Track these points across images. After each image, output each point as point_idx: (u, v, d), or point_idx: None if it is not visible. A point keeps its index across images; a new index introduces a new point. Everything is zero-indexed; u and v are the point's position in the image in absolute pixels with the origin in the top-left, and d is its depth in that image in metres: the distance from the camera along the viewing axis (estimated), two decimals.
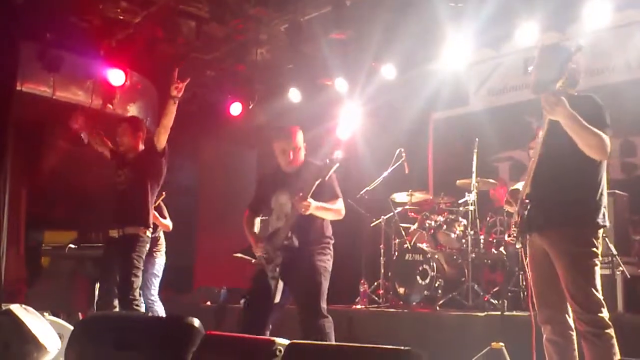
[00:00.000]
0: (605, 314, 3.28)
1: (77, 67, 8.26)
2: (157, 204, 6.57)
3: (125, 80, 8.56)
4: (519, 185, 3.63)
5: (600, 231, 3.39)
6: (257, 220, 4.46)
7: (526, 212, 3.42)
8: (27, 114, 8.20)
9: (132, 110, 9.02)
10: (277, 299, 4.16)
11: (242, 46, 9.24)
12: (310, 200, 4.06)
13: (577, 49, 3.44)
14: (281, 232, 4.23)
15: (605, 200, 3.42)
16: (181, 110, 9.67)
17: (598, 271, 3.33)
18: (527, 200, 3.44)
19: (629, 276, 5.04)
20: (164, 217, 6.76)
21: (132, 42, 8.54)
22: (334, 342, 4.06)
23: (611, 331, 3.26)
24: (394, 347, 2.68)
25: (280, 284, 4.16)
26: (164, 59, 9.03)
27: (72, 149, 9.49)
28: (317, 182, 4.06)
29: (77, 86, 8.31)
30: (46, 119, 8.91)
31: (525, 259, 3.65)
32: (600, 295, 3.28)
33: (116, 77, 8.42)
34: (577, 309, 3.28)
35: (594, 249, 3.32)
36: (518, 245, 3.53)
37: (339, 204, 4.31)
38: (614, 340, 3.25)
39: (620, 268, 5.03)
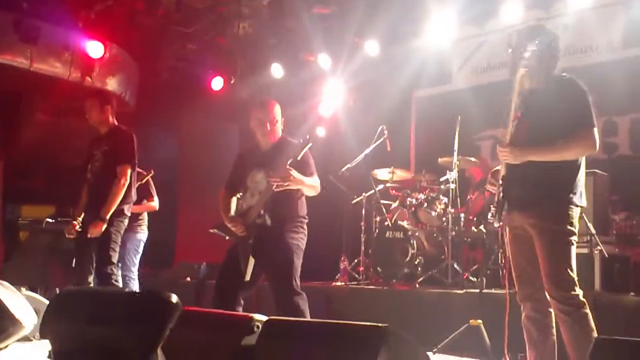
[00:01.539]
0: (577, 292, 3.28)
1: (55, 38, 8.09)
2: (144, 181, 6.50)
3: (105, 53, 8.40)
4: (498, 167, 3.63)
5: (577, 210, 3.39)
6: (234, 200, 4.40)
7: (502, 191, 3.43)
8: (4, 85, 8.07)
9: (112, 83, 8.88)
10: (248, 277, 4.13)
11: (223, 19, 9.13)
12: (291, 170, 4.02)
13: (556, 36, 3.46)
14: (253, 209, 4.20)
15: (582, 181, 3.44)
16: (162, 83, 9.68)
17: (573, 250, 3.34)
18: (502, 180, 3.45)
19: (606, 255, 5.07)
20: (152, 196, 6.68)
21: (111, 14, 8.41)
22: (309, 318, 4.05)
23: (584, 309, 3.27)
24: (371, 323, 2.67)
25: (252, 262, 4.13)
26: (144, 31, 8.90)
27: (51, 120, 9.38)
28: (289, 162, 4.02)
29: (55, 58, 8.15)
30: (24, 91, 8.76)
31: (505, 237, 3.65)
32: (574, 274, 3.29)
33: (95, 49, 8.27)
34: (549, 286, 3.30)
35: (570, 228, 3.33)
36: (496, 224, 3.55)
37: (315, 180, 4.28)
38: (589, 318, 3.26)
39: (599, 247, 5.05)
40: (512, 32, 7.75)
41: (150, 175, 6.63)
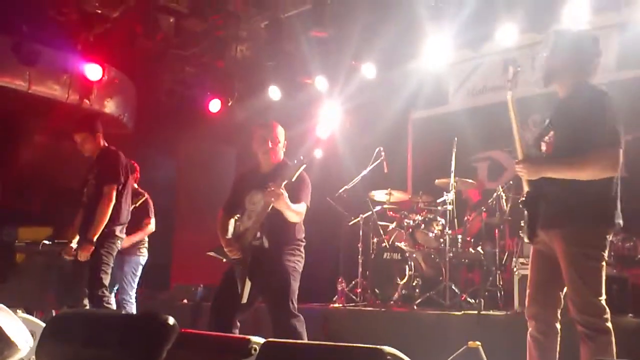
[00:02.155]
0: (605, 317, 3.16)
1: (54, 61, 8.15)
2: (138, 204, 6.48)
3: (103, 75, 8.45)
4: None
5: (607, 231, 3.23)
6: (231, 222, 4.40)
7: (526, 208, 3.37)
8: (2, 107, 8.10)
9: (110, 105, 8.93)
10: (245, 299, 4.12)
11: (221, 42, 9.17)
12: (282, 190, 4.03)
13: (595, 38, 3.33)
14: (250, 231, 4.21)
15: (616, 200, 3.24)
16: (160, 106, 9.71)
17: (602, 273, 3.19)
18: (525, 197, 3.39)
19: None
20: (149, 217, 6.64)
21: (110, 37, 8.44)
22: (306, 341, 4.03)
23: (608, 337, 3.16)
24: (370, 345, 2.66)
25: (248, 284, 4.13)
26: (142, 54, 8.96)
27: (48, 142, 9.39)
28: (284, 183, 4.02)
29: (53, 80, 8.20)
30: (22, 113, 8.78)
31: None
32: (601, 298, 3.16)
33: (93, 72, 8.31)
34: (573, 309, 3.20)
35: (599, 251, 3.18)
36: (526, 240, 3.47)
37: (302, 207, 4.27)
38: (612, 346, 3.15)
39: None
40: (505, 60, 7.90)
41: (144, 198, 6.59)
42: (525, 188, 3.43)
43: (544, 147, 3.43)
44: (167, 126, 9.94)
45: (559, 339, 3.39)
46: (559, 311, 3.39)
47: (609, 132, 3.14)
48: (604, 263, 3.19)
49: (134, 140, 8.79)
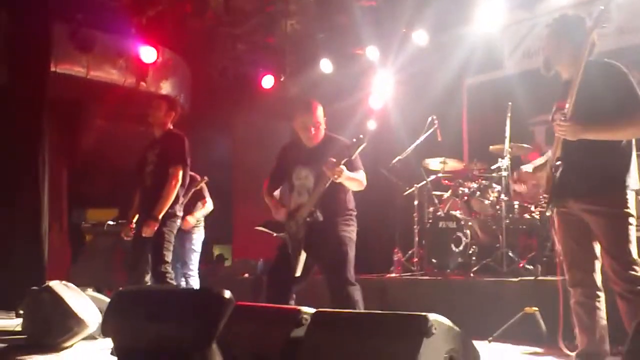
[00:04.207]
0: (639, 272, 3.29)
1: (109, 46, 8.39)
2: (198, 187, 6.66)
3: (157, 57, 8.63)
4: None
5: (633, 193, 3.38)
6: (277, 193, 4.48)
7: (557, 178, 3.41)
8: (63, 94, 8.39)
9: (165, 87, 9.13)
10: (299, 272, 4.20)
11: (271, 18, 9.24)
12: (342, 167, 4.07)
13: (596, 21, 3.36)
14: (304, 208, 4.25)
15: (635, 164, 3.40)
16: (214, 84, 9.87)
17: (634, 232, 3.34)
18: (557, 165, 3.42)
19: None
20: (204, 199, 6.81)
21: (162, 19, 8.61)
22: (362, 309, 4.09)
23: None
24: (413, 313, 2.70)
25: (302, 257, 4.20)
26: (194, 34, 9.10)
27: (109, 126, 9.70)
28: (343, 162, 4.06)
29: (110, 65, 8.45)
30: (82, 99, 9.08)
31: (555, 224, 3.63)
32: (636, 255, 3.31)
33: (148, 54, 8.51)
34: (615, 268, 3.30)
35: (628, 210, 3.33)
36: (548, 213, 3.53)
37: (362, 175, 4.32)
38: None
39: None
40: (543, 26, 7.69)
41: (204, 181, 6.76)
42: (557, 153, 3.44)
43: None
44: (222, 104, 10.11)
45: (604, 299, 3.44)
46: (599, 272, 3.45)
47: (636, 96, 3.29)
48: (632, 220, 3.35)
49: (190, 120, 8.96)
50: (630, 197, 3.36)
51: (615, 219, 3.32)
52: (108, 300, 5.38)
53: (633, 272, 3.26)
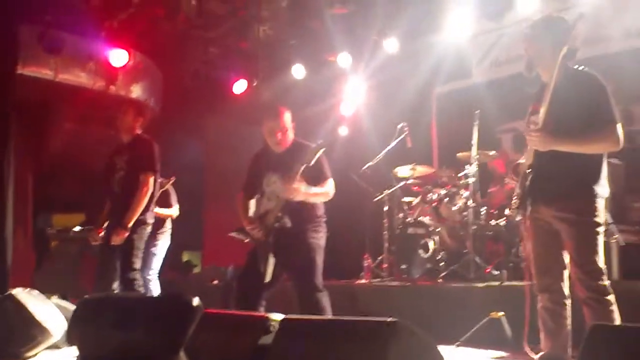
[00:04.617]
0: (606, 281, 3.36)
1: (79, 48, 8.28)
2: (165, 188, 6.61)
3: (128, 61, 8.56)
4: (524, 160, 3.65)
5: (602, 201, 3.44)
6: (252, 202, 4.51)
7: (528, 184, 3.45)
8: (30, 97, 8.26)
9: (136, 90, 9.05)
10: (268, 278, 4.22)
11: (244, 23, 9.22)
12: (299, 186, 4.11)
13: (576, 19, 3.43)
14: (271, 213, 4.29)
15: (605, 172, 3.47)
16: (186, 88, 9.82)
17: (601, 240, 3.40)
18: (529, 172, 3.47)
19: (623, 244, 5.07)
20: (170, 205, 6.76)
21: (133, 22, 8.54)
22: (329, 315, 4.12)
23: (612, 297, 3.34)
24: (382, 318, 2.73)
25: (272, 263, 4.22)
26: (166, 38, 9.05)
27: (77, 129, 9.58)
28: (302, 168, 4.10)
29: (79, 68, 8.35)
30: (50, 101, 8.96)
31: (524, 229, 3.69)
32: (602, 264, 3.37)
33: (118, 57, 8.42)
34: (582, 276, 3.35)
35: (597, 219, 3.39)
36: (518, 217, 3.60)
37: (328, 186, 4.38)
38: (615, 307, 3.34)
39: (615, 236, 5.05)
40: (526, 25, 7.82)
41: (172, 181, 6.70)
42: (529, 160, 3.49)
43: (534, 126, 3.51)
44: (194, 109, 10.06)
45: (569, 306, 3.51)
46: (566, 279, 3.51)
47: (610, 110, 3.34)
48: (600, 229, 3.41)
49: (161, 124, 8.90)
50: (600, 205, 3.40)
51: (584, 226, 3.37)
52: (73, 307, 5.33)
53: (598, 282, 3.32)
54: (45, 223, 8.69)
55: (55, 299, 5.13)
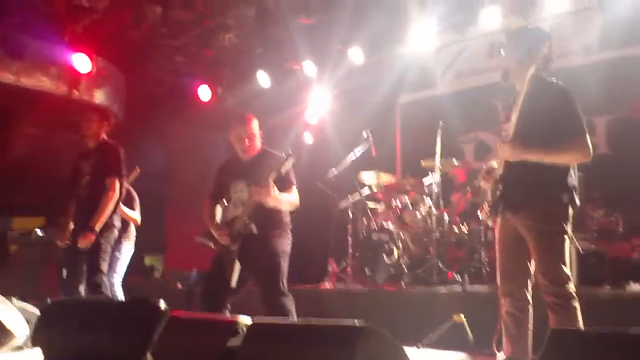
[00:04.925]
0: (571, 287, 3.43)
1: (42, 53, 8.21)
2: (130, 180, 6.54)
3: (92, 66, 8.51)
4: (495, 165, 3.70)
5: (570, 210, 3.50)
6: (218, 208, 4.54)
7: (499, 192, 3.53)
8: None
9: (99, 96, 8.99)
10: (234, 283, 4.25)
11: (209, 31, 9.24)
12: (273, 190, 4.17)
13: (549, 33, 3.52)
14: (238, 219, 4.33)
15: (573, 181, 3.52)
16: (150, 95, 9.78)
17: (567, 247, 3.47)
18: (500, 180, 3.55)
19: (581, 251, 5.23)
20: (133, 209, 6.72)
21: (98, 28, 8.49)
22: (295, 319, 4.17)
23: (576, 303, 3.41)
24: (350, 322, 2.79)
25: (237, 269, 4.26)
26: (130, 44, 9.01)
27: (39, 134, 9.47)
28: (273, 175, 4.15)
29: (42, 72, 8.27)
30: (12, 105, 8.84)
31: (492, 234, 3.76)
32: (567, 270, 3.43)
33: (82, 63, 8.38)
34: (547, 283, 3.41)
35: (563, 226, 3.45)
36: (490, 223, 3.67)
37: (294, 195, 4.44)
38: (578, 312, 3.41)
39: (574, 244, 5.20)
40: (492, 43, 8.04)
41: (136, 173, 6.63)
42: (499, 170, 3.57)
43: (506, 134, 3.58)
44: (158, 115, 10.02)
45: (531, 312, 3.57)
46: (530, 287, 3.57)
47: (580, 123, 3.41)
48: (567, 237, 3.47)
49: (124, 130, 8.81)
50: (567, 213, 3.47)
51: (550, 234, 3.43)
52: (35, 310, 5.28)
53: (564, 287, 3.39)
54: (5, 226, 8.56)
55: (16, 302, 5.08)
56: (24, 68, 7.97)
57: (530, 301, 3.58)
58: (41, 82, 8.27)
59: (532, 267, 3.56)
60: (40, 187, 9.26)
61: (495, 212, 3.57)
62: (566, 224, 3.46)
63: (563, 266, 3.41)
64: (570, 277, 3.44)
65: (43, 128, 9.36)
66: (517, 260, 3.57)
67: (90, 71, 8.56)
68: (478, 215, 6.22)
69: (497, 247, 3.71)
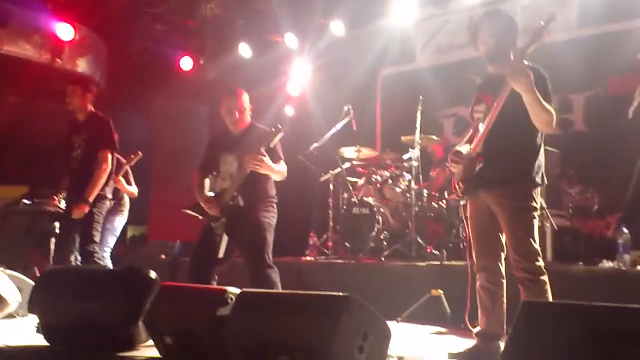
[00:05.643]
0: (541, 262, 3.59)
1: (25, 21, 8.20)
2: (132, 163, 6.67)
3: (74, 35, 8.51)
4: (463, 148, 3.80)
5: (538, 188, 3.67)
6: (207, 181, 4.65)
7: (476, 170, 3.62)
8: None
9: (82, 64, 9.00)
10: (221, 254, 4.39)
11: (191, 1, 9.25)
12: (265, 158, 4.28)
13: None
14: (227, 192, 4.46)
15: (543, 161, 3.69)
16: (132, 64, 9.78)
17: (536, 224, 3.62)
18: (479, 159, 3.63)
19: (556, 228, 5.40)
20: (130, 184, 6.81)
21: None
22: (280, 290, 4.32)
23: (545, 277, 3.57)
24: (334, 293, 2.95)
25: (225, 240, 4.39)
26: (113, 13, 9.00)
27: (22, 102, 9.46)
28: (262, 149, 4.26)
29: (25, 40, 8.27)
30: None
31: (465, 212, 3.90)
32: (537, 246, 3.59)
33: (64, 31, 8.38)
34: (517, 258, 3.56)
35: (533, 204, 3.61)
36: (463, 202, 3.79)
37: (283, 166, 4.55)
38: (548, 286, 3.57)
39: (549, 220, 5.38)
40: (472, 17, 8.11)
41: (138, 157, 6.74)
42: (479, 147, 3.65)
43: (479, 115, 3.71)
44: (140, 85, 10.01)
45: (505, 285, 3.75)
46: (503, 260, 3.74)
47: (548, 101, 3.48)
48: (536, 214, 3.62)
49: (106, 99, 8.82)
50: (536, 192, 3.63)
51: (520, 211, 3.57)
52: (27, 279, 5.40)
53: (534, 263, 3.54)
54: None
55: (7, 270, 5.18)
56: (8, 36, 7.96)
57: (504, 274, 3.74)
58: (24, 49, 8.27)
59: (504, 241, 3.71)
60: (23, 156, 9.29)
61: (473, 190, 3.69)
62: (536, 202, 3.62)
63: (533, 242, 3.56)
64: (540, 252, 3.59)
65: (26, 96, 9.36)
66: (491, 236, 3.71)
67: (73, 39, 8.56)
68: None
69: (469, 223, 3.84)
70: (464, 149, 3.80)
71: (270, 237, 4.54)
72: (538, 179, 3.63)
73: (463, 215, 3.98)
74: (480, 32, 3.73)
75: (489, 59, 3.73)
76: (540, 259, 3.58)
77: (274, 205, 4.67)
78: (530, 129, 3.57)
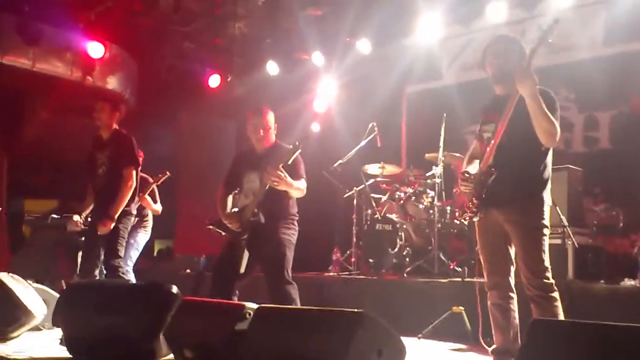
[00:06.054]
0: (551, 279, 3.60)
1: (57, 39, 8.42)
2: (160, 182, 6.80)
3: (105, 53, 8.71)
4: (470, 169, 3.84)
5: (548, 208, 3.69)
6: (230, 197, 4.73)
7: (486, 189, 3.64)
8: (8, 85, 8.37)
9: (112, 82, 9.19)
10: (243, 269, 4.45)
11: (219, 20, 9.40)
12: (284, 174, 4.33)
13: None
14: (248, 208, 4.52)
15: (549, 183, 3.71)
16: (161, 82, 9.97)
17: (547, 241, 3.66)
18: (492, 170, 3.63)
19: (577, 246, 5.35)
20: (155, 202, 6.94)
21: (111, 15, 8.68)
22: (298, 306, 4.36)
23: (556, 295, 3.59)
24: (349, 309, 2.98)
25: (246, 255, 4.45)
26: (142, 31, 9.19)
27: (53, 119, 9.70)
28: (280, 166, 4.33)
29: (56, 58, 8.48)
30: (27, 90, 9.06)
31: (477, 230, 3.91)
32: (547, 263, 3.61)
33: (95, 49, 8.58)
34: (529, 275, 3.59)
35: (544, 222, 3.65)
36: (476, 219, 3.81)
37: (302, 184, 4.60)
38: (559, 303, 3.59)
39: (571, 238, 5.33)
40: (494, 39, 8.10)
41: (166, 177, 6.85)
42: (490, 161, 3.64)
43: (488, 135, 3.72)
44: (168, 101, 10.21)
45: (516, 300, 3.77)
46: (513, 275, 3.77)
47: (558, 117, 3.54)
48: (546, 231, 3.66)
49: (135, 116, 9.03)
50: (546, 210, 3.67)
51: (531, 229, 3.61)
52: (52, 292, 5.52)
53: (544, 280, 3.56)
54: (16, 207, 8.79)
55: (33, 284, 5.30)
56: (40, 54, 8.18)
57: (514, 289, 3.75)
58: (56, 67, 8.48)
59: (512, 255, 3.74)
60: (53, 171, 9.51)
61: (484, 209, 3.70)
62: (546, 220, 3.65)
63: (544, 259, 3.59)
64: (549, 269, 3.60)
65: (57, 113, 9.58)
66: (501, 253, 3.74)
67: (104, 57, 8.76)
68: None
69: (480, 241, 3.86)
70: (472, 168, 3.84)
71: (290, 253, 4.59)
72: (546, 198, 3.67)
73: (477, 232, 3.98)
74: (487, 54, 3.78)
75: (495, 80, 3.77)
76: (550, 276, 3.60)
77: (295, 223, 4.72)
78: (539, 147, 3.60)
